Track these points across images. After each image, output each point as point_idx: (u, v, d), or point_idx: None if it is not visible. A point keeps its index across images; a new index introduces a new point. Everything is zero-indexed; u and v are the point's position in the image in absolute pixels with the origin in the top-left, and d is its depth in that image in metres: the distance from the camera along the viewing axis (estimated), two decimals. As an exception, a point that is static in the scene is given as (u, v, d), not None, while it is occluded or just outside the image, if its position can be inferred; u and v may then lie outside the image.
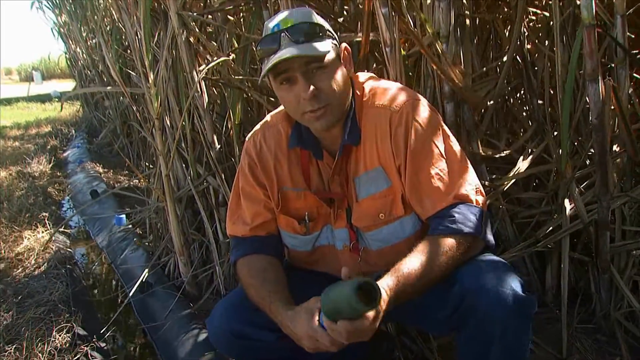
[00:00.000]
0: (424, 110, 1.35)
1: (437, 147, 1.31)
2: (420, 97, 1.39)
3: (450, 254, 1.25)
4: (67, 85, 11.33)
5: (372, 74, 1.49)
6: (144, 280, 2.63)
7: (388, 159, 1.35)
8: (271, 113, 1.55)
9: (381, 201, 1.38)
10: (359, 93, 1.40)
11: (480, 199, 1.30)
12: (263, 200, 1.48)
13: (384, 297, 1.13)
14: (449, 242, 1.26)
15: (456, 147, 1.34)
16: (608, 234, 1.81)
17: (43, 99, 12.11)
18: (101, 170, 5.23)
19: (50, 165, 5.64)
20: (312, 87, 1.26)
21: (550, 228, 2.01)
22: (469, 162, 1.35)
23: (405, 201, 1.37)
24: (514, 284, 1.21)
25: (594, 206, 1.89)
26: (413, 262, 1.23)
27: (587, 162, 2.05)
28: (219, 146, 2.46)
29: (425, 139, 1.31)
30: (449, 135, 1.35)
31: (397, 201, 1.37)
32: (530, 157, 2.06)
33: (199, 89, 2.34)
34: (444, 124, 1.37)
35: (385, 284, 1.17)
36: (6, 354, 2.13)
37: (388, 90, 1.40)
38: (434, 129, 1.33)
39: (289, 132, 1.46)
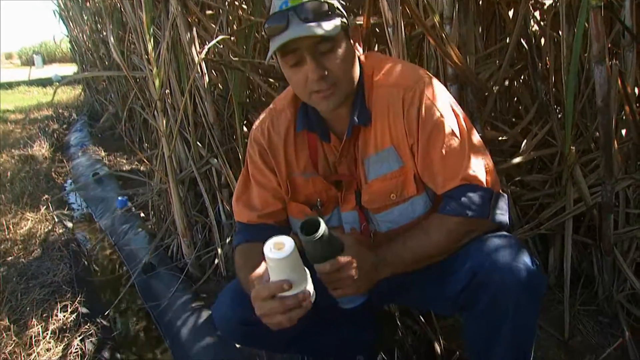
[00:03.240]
0: (436, 88, 1.33)
1: (450, 126, 1.29)
2: (432, 75, 1.37)
3: (453, 235, 1.26)
4: (68, 69, 11.29)
5: (381, 54, 1.46)
6: (147, 261, 2.64)
7: (401, 139, 1.33)
8: (276, 99, 1.52)
9: (393, 182, 1.36)
10: (368, 72, 1.38)
11: (490, 178, 1.29)
12: (274, 188, 1.46)
13: (348, 243, 1.21)
14: (453, 222, 1.26)
15: (467, 126, 1.33)
16: (612, 217, 1.80)
17: (44, 83, 12.06)
18: (103, 153, 5.22)
19: (52, 149, 5.63)
20: (320, 69, 1.24)
21: (554, 211, 2.01)
22: (481, 140, 1.33)
23: (417, 180, 1.35)
24: (527, 262, 1.21)
25: (597, 189, 1.89)
26: (413, 233, 1.27)
27: (592, 145, 2.04)
28: (220, 128, 2.45)
29: (438, 117, 1.29)
30: (460, 114, 1.34)
31: (409, 181, 1.36)
32: (535, 140, 2.05)
33: (199, 70, 2.32)
34: (455, 103, 1.36)
35: (383, 248, 1.25)
36: (11, 333, 2.15)
37: (399, 68, 1.37)
38: (446, 108, 1.31)
39: (296, 116, 1.44)
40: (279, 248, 1.12)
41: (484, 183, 1.27)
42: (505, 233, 1.30)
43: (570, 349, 1.79)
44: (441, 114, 1.29)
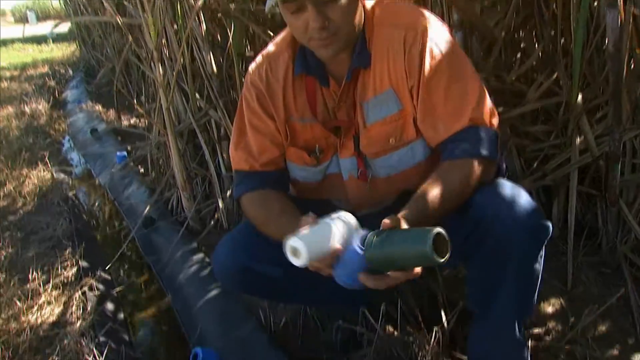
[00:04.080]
0: (439, 30, 1.28)
1: (452, 68, 1.25)
2: (435, 17, 1.32)
3: (468, 179, 1.20)
4: (63, 26, 11.08)
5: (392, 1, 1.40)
6: (147, 215, 2.62)
7: (400, 80, 1.29)
8: (273, 42, 1.47)
9: (391, 125, 1.32)
10: (369, 13, 1.33)
11: (495, 121, 1.25)
12: (272, 134, 1.42)
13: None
14: (467, 166, 1.21)
15: (471, 68, 1.28)
16: (619, 167, 1.77)
17: (39, 40, 11.87)
18: (101, 109, 5.16)
19: (49, 105, 5.57)
20: (321, 18, 1.19)
21: (559, 162, 1.98)
22: (483, 84, 1.29)
23: (417, 124, 1.32)
24: (531, 209, 1.18)
25: (604, 139, 1.86)
26: (431, 190, 1.18)
27: (599, 94, 1.99)
28: (220, 79, 2.39)
29: (441, 59, 1.24)
30: (464, 56, 1.29)
31: (409, 124, 1.32)
32: (540, 89, 2.01)
33: (196, 19, 2.26)
34: (458, 45, 1.31)
35: (406, 217, 1.12)
36: (12, 287, 2.14)
37: (401, 9, 1.33)
38: (449, 49, 1.26)
39: (294, 59, 1.39)
40: (293, 253, 1.10)
41: (490, 124, 1.23)
42: (507, 181, 1.27)
43: (572, 299, 1.78)
44: (444, 55, 1.24)
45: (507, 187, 1.22)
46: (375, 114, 1.33)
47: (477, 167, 1.20)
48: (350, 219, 1.15)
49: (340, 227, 1.12)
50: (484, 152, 1.21)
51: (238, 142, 1.46)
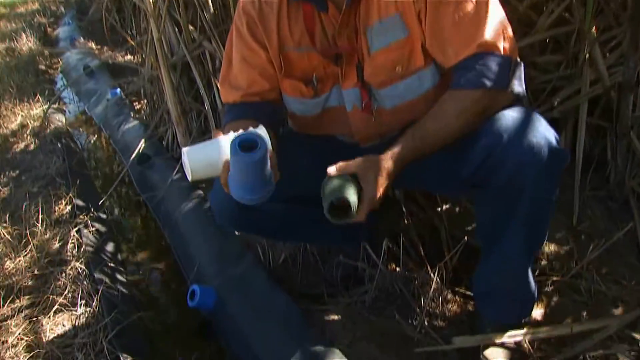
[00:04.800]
0: None
1: None
2: None
3: (472, 110, 1.15)
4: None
5: None
6: (141, 151, 2.56)
7: (407, 4, 1.20)
8: None
9: (398, 52, 1.25)
10: None
11: (508, 45, 1.16)
12: (262, 66, 1.35)
13: (387, 167, 1.12)
14: (470, 96, 1.15)
15: None
16: (631, 97, 1.71)
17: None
18: (94, 46, 5.02)
19: (41, 43, 5.42)
20: None
21: (568, 93, 1.91)
22: (498, 4, 1.20)
23: (425, 51, 1.24)
24: (548, 136, 1.12)
25: (616, 69, 1.80)
26: (425, 124, 1.15)
27: (612, 23, 1.90)
28: (213, 8, 2.28)
29: None
30: None
31: (416, 51, 1.24)
32: (551, 17, 1.91)
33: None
34: None
35: (396, 149, 1.13)
36: (6, 226, 2.10)
37: None
38: None
39: None
40: (184, 166, 1.08)
41: (502, 50, 1.15)
42: (523, 108, 1.20)
43: (578, 234, 1.75)
44: None
45: (523, 114, 1.16)
46: (380, 40, 1.25)
47: (481, 99, 1.15)
48: (260, 130, 1.13)
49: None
50: (489, 82, 1.14)
51: (226, 74, 1.41)
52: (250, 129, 1.13)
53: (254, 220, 1.39)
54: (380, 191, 1.10)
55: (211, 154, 1.10)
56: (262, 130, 1.13)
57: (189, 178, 1.10)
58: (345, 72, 1.31)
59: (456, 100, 1.16)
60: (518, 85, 1.17)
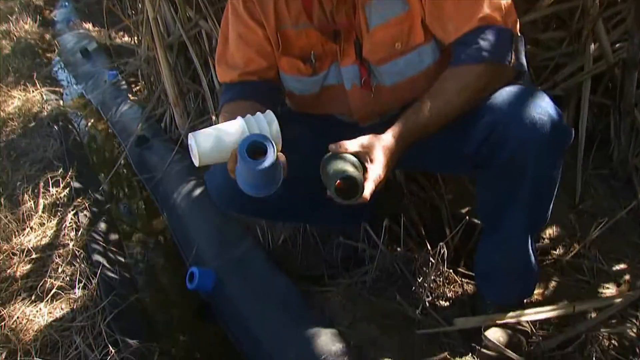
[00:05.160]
0: None
1: None
2: None
3: (474, 86, 1.13)
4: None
5: None
6: (140, 134, 2.54)
7: None
8: None
9: (397, 28, 1.22)
10: None
11: (510, 19, 1.14)
12: (259, 44, 1.32)
13: (390, 146, 1.09)
14: (473, 72, 1.13)
15: None
16: (636, 75, 1.69)
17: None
18: (91, 28, 4.98)
19: (37, 25, 5.37)
20: None
21: (571, 71, 1.89)
22: None
23: (425, 27, 1.21)
24: (551, 111, 1.10)
25: (620, 45, 1.79)
26: (426, 102, 1.13)
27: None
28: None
29: None
30: None
31: (416, 27, 1.22)
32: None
33: None
34: None
35: (394, 132, 1.11)
36: (3, 209, 2.09)
37: None
38: None
39: None
40: (191, 151, 1.06)
41: (504, 23, 1.12)
42: (525, 84, 1.18)
43: (580, 213, 1.73)
44: None
45: (525, 90, 1.14)
46: (378, 16, 1.22)
47: (482, 74, 1.13)
48: (269, 120, 1.09)
49: (244, 128, 1.05)
50: (491, 56, 1.11)
51: (221, 54, 1.38)
52: (259, 114, 1.10)
53: (253, 202, 1.37)
54: (385, 170, 1.07)
55: (219, 141, 1.07)
56: (269, 117, 1.10)
57: (196, 163, 1.07)
58: (343, 49, 1.28)
59: (458, 76, 1.14)
60: (519, 61, 1.15)
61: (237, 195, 1.28)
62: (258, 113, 1.10)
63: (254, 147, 1.01)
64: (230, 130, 1.07)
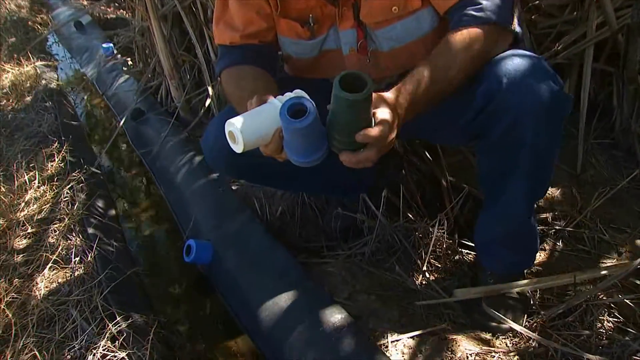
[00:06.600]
0: None
1: None
2: None
3: (476, 49, 1.09)
4: None
5: None
6: (135, 107, 2.51)
7: None
8: None
9: None
10: None
11: None
12: (258, 4, 1.29)
13: (390, 97, 1.02)
14: (474, 34, 1.09)
15: None
16: (640, 41, 1.65)
17: None
18: (85, 2, 4.90)
19: (29, -1, 5.30)
20: None
21: (573, 38, 1.85)
22: None
23: None
24: (550, 80, 1.07)
25: (624, 12, 1.76)
26: (426, 68, 1.08)
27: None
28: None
29: None
30: None
31: None
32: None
33: None
34: None
35: (399, 91, 1.05)
36: (-1, 182, 2.07)
37: None
38: None
39: None
40: (232, 138, 1.03)
41: None
42: (523, 50, 1.14)
43: (581, 183, 1.72)
44: None
45: (524, 57, 1.10)
46: None
47: (485, 36, 1.10)
48: (300, 94, 1.05)
49: (279, 106, 1.02)
50: (494, 16, 1.09)
51: (220, 15, 1.35)
52: (287, 93, 1.06)
53: (248, 166, 1.35)
54: (395, 130, 1.02)
55: (262, 125, 1.04)
56: (299, 93, 1.06)
57: (238, 150, 1.04)
58: (342, 13, 1.26)
59: (458, 42, 1.10)
60: (516, 24, 1.13)
61: (232, 157, 1.26)
62: (287, 93, 1.07)
63: (294, 109, 0.99)
64: (265, 111, 1.04)
